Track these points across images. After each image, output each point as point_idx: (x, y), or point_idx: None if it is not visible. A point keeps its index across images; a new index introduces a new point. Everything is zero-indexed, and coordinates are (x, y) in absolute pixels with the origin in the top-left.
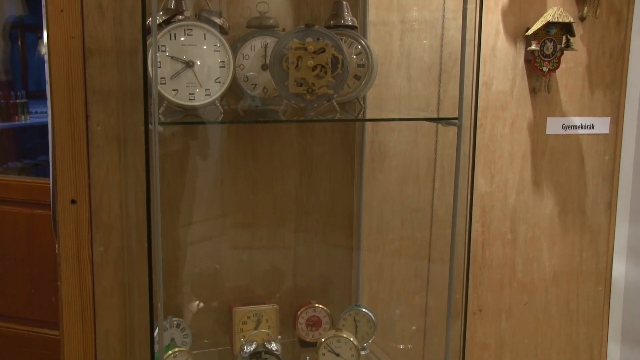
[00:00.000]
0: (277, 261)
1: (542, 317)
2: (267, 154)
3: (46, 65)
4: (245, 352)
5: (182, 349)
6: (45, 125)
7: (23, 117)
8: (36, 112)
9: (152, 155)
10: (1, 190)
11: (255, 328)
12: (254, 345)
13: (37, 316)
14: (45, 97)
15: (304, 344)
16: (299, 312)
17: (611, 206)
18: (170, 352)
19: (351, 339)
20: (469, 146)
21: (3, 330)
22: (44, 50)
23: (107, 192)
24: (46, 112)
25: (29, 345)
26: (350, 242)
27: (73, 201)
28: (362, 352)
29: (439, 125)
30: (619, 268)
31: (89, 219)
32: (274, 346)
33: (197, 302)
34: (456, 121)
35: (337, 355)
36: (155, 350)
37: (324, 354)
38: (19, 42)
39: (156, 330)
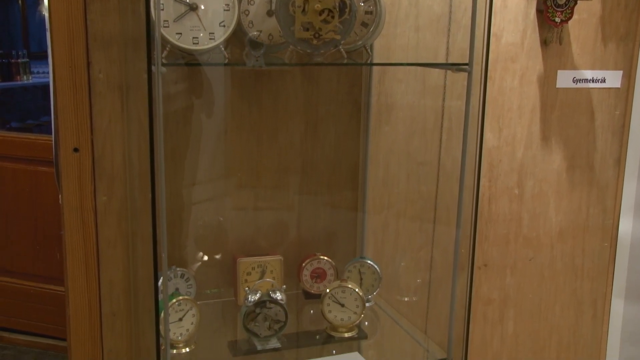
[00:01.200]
0: (281, 213)
1: (547, 272)
2: (271, 103)
3: (46, 13)
4: (250, 301)
5: (186, 297)
6: (48, 86)
7: (25, 77)
8: (38, 73)
9: (155, 99)
10: (3, 146)
11: (260, 279)
12: (258, 294)
13: (42, 272)
14: (47, 58)
15: (309, 295)
16: (303, 264)
17: (620, 162)
18: (174, 300)
19: (356, 290)
20: (479, 98)
21: (8, 286)
22: (44, 10)
23: (109, 141)
24: (48, 73)
25: (34, 300)
26: (356, 195)
27: (75, 149)
28: (367, 304)
29: (448, 76)
30: (626, 224)
31: (91, 168)
32: (278, 295)
33: (201, 253)
34: (466, 67)
35: (342, 305)
36: (159, 299)
37: (328, 305)
38: (20, 2)
39: (160, 280)
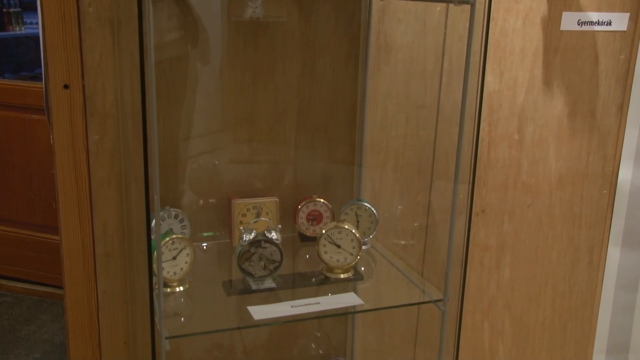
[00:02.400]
0: (277, 155)
1: (545, 219)
2: (267, 42)
3: None
4: (245, 240)
5: (179, 235)
6: None
7: (17, 27)
8: (31, 23)
9: (147, 34)
10: None
11: (255, 221)
12: (253, 234)
13: (38, 221)
14: None
15: (304, 238)
16: (299, 206)
17: (622, 108)
18: (167, 238)
19: (353, 231)
20: (481, 39)
21: (5, 234)
22: None
23: (101, 77)
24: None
25: (30, 249)
26: (353, 137)
27: (66, 86)
28: (363, 247)
29: (449, 16)
30: (626, 172)
31: (82, 105)
32: (273, 235)
33: (196, 194)
34: None
35: (338, 247)
36: (152, 238)
37: (324, 245)
38: None
39: (153, 222)
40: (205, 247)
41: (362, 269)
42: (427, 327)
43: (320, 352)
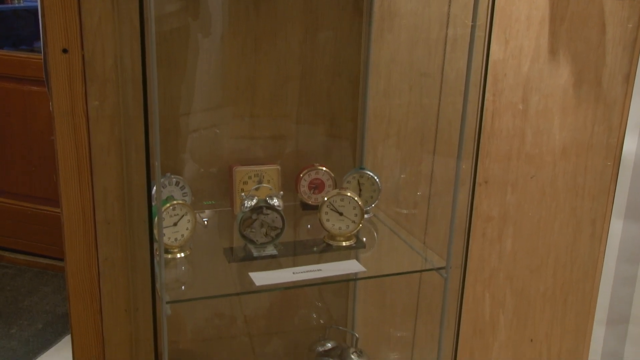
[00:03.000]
0: (279, 123)
1: (548, 190)
2: (269, 8)
3: None
4: (246, 207)
5: (180, 202)
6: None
7: (16, 0)
8: None
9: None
10: None
11: (257, 188)
12: (255, 200)
13: (39, 193)
14: None
15: (306, 206)
16: (301, 175)
17: (629, 78)
18: (168, 204)
19: (355, 199)
20: (487, 5)
21: (6, 207)
22: None
23: (100, 42)
24: None
25: (32, 221)
26: (356, 105)
27: (64, 50)
28: (366, 215)
29: None
30: (630, 143)
31: (82, 70)
32: (275, 202)
33: (197, 163)
34: None
35: (341, 214)
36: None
37: (326, 213)
38: None
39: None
40: (206, 222)
41: (364, 240)
42: (429, 297)
43: (321, 321)
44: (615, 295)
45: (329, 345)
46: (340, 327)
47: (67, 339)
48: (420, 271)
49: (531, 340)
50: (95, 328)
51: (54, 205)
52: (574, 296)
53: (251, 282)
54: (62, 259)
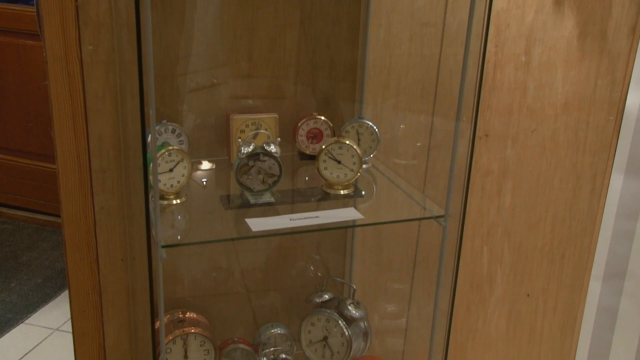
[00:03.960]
0: (277, 71)
1: (549, 145)
2: None
3: None
4: (243, 153)
5: (176, 147)
6: None
7: None
8: None
9: None
10: None
11: (254, 137)
12: (251, 147)
13: (36, 149)
14: None
15: (304, 156)
16: (299, 124)
17: (635, 30)
18: (164, 150)
19: (354, 147)
20: None
21: (3, 163)
22: None
23: None
24: None
25: (29, 177)
26: (356, 54)
27: None
28: (364, 166)
29: None
30: (634, 97)
31: (75, 13)
32: (273, 148)
33: (193, 112)
34: None
35: (339, 162)
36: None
37: (324, 161)
38: None
39: (149, 137)
40: (204, 183)
41: (363, 193)
42: (427, 250)
43: (319, 274)
44: (612, 251)
45: (326, 296)
46: (338, 279)
47: (66, 294)
48: (419, 219)
49: (528, 295)
50: (92, 277)
51: (51, 162)
52: (572, 251)
53: (247, 229)
54: (60, 215)
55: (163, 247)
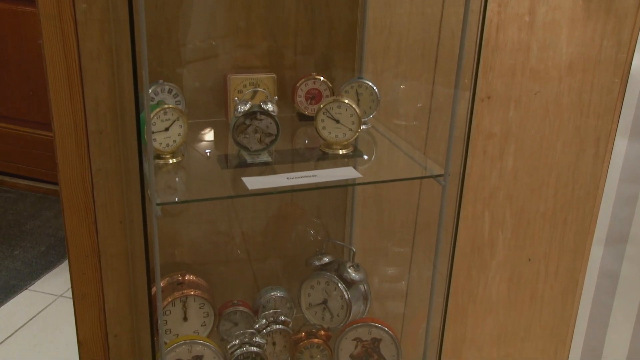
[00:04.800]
0: (276, 31)
1: (552, 107)
2: None
3: None
4: (239, 112)
5: (172, 106)
6: None
7: None
8: None
9: None
10: None
11: (252, 96)
12: (248, 105)
13: (37, 118)
14: None
15: (303, 117)
16: (298, 84)
17: None
18: (159, 108)
19: (353, 106)
20: None
21: (5, 131)
22: None
23: None
24: None
25: (31, 146)
26: (355, 14)
27: None
28: (364, 126)
29: None
30: None
31: None
32: (270, 107)
33: (190, 72)
34: None
35: (337, 122)
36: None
37: (322, 120)
38: None
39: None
40: (208, 154)
41: (364, 156)
42: (427, 213)
43: (319, 238)
44: (615, 215)
45: (326, 259)
46: (338, 242)
47: None
48: (418, 178)
49: (529, 260)
50: (91, 240)
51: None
52: (574, 216)
53: (244, 188)
54: None
55: (158, 204)
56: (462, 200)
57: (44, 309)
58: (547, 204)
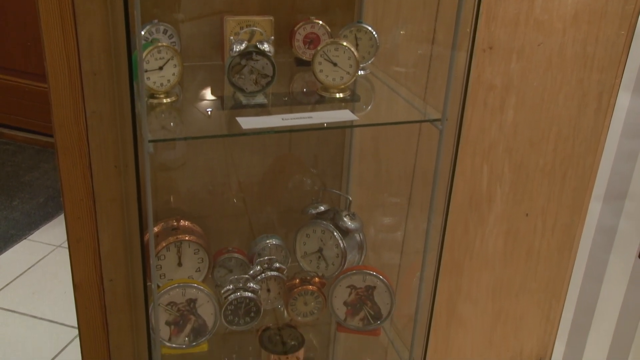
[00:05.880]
0: None
1: (555, 60)
2: None
3: None
4: (235, 51)
5: (165, 44)
6: None
7: None
8: None
9: None
10: None
11: (249, 39)
12: (244, 45)
13: (35, 70)
14: None
15: (301, 62)
16: (295, 29)
17: None
18: (152, 46)
19: (351, 48)
20: None
21: (2, 82)
22: None
23: None
24: None
25: (29, 98)
26: None
27: None
28: (362, 72)
29: None
30: None
31: None
32: (266, 47)
33: (186, 14)
34: None
35: (335, 65)
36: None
37: (320, 63)
38: None
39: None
40: (209, 113)
41: (362, 103)
42: (425, 164)
43: (315, 188)
44: (615, 171)
45: (322, 208)
46: (334, 190)
47: None
48: (415, 122)
49: (527, 215)
50: (85, 184)
51: None
52: (574, 171)
53: (239, 128)
54: None
55: (150, 141)
56: (461, 154)
57: (43, 258)
58: (547, 159)
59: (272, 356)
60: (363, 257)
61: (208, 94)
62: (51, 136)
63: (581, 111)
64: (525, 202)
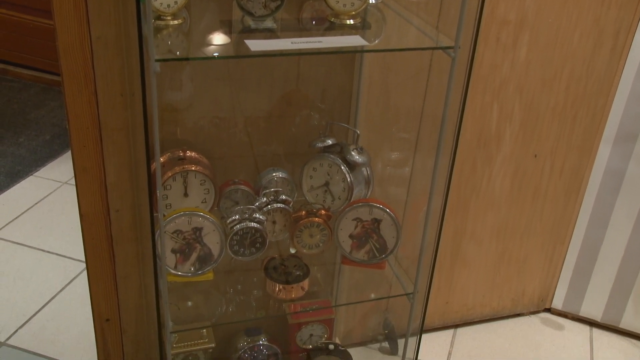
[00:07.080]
0: None
1: None
2: None
3: None
4: None
5: None
6: None
7: None
8: None
9: None
10: None
11: None
12: None
13: (39, 5)
14: None
15: None
16: None
17: None
18: None
19: None
20: None
21: (4, 17)
22: None
23: None
24: None
25: (34, 35)
26: None
27: None
28: (373, 1)
29: None
30: None
31: None
32: None
33: None
34: None
35: None
36: None
37: None
38: None
39: None
40: (216, 55)
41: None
42: (436, 100)
43: (323, 122)
44: (627, 113)
45: (329, 141)
46: (342, 124)
47: None
48: (428, 48)
49: (535, 156)
50: (91, 112)
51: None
52: (585, 112)
53: (247, 50)
54: None
55: (157, 60)
56: (471, 91)
57: (49, 194)
58: (558, 99)
59: (277, 285)
60: (370, 192)
61: (216, 17)
62: (58, 75)
63: (596, 50)
64: (534, 143)
